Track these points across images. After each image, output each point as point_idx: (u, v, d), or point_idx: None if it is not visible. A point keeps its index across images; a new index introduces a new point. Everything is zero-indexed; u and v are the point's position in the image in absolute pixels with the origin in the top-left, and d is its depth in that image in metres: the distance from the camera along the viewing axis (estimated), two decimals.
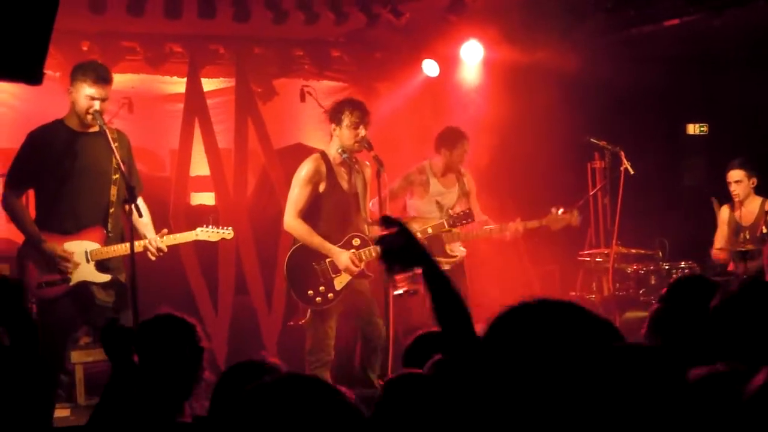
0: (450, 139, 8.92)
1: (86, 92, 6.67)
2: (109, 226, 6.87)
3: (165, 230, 7.00)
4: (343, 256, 7.53)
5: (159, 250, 6.92)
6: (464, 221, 8.30)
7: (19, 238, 7.12)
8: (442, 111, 11.11)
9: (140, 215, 6.54)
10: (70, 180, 6.76)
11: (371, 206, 8.07)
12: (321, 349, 7.61)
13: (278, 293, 9.74)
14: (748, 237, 8.79)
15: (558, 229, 8.93)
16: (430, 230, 8.24)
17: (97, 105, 6.68)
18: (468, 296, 9.05)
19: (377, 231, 7.37)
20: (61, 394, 8.24)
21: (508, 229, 8.84)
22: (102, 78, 6.74)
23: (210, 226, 7.36)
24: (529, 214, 9.27)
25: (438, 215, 8.59)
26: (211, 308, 9.71)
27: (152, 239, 6.89)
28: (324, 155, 7.69)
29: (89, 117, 6.70)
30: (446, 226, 8.28)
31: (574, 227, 9.11)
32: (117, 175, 6.80)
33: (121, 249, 6.80)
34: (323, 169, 7.62)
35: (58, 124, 6.83)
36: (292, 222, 7.60)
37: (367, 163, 7.66)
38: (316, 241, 7.55)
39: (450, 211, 8.44)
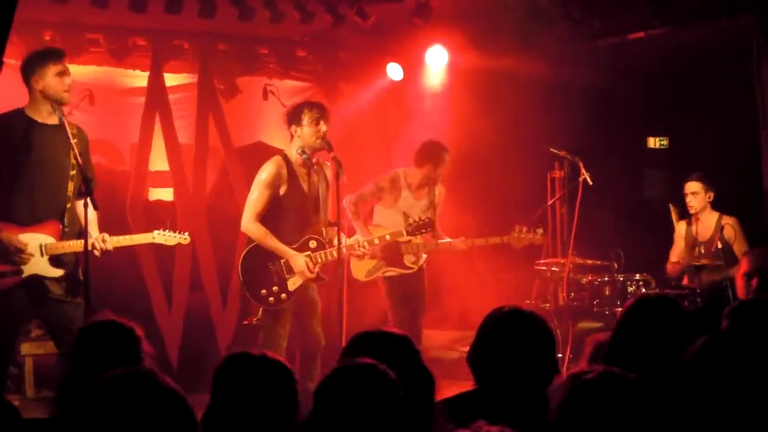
0: (435, 154, 8.96)
1: (55, 71, 6.67)
2: (66, 221, 6.83)
3: (105, 234, 6.90)
4: (299, 260, 7.55)
5: (104, 250, 6.87)
6: (423, 230, 8.32)
7: None
8: (406, 115, 11.18)
9: (95, 208, 6.53)
10: (27, 170, 6.71)
11: (345, 203, 8.09)
12: (270, 347, 7.51)
13: (233, 291, 9.77)
14: (703, 251, 8.87)
15: (520, 247, 9.01)
16: (387, 237, 8.29)
17: (68, 81, 6.70)
18: (426, 304, 9.13)
19: (334, 233, 7.45)
20: (10, 386, 8.19)
21: (471, 243, 8.93)
22: (59, 53, 6.83)
23: (167, 230, 7.34)
24: (486, 221, 9.35)
25: (403, 225, 8.62)
26: (166, 304, 9.70)
27: (98, 237, 6.83)
28: (285, 157, 7.69)
29: (66, 95, 6.71)
30: (405, 234, 8.31)
31: (536, 246, 9.21)
32: (74, 171, 6.78)
33: (76, 245, 6.74)
34: (284, 171, 7.62)
35: (19, 113, 6.78)
36: (249, 225, 7.61)
37: (328, 163, 7.67)
38: (272, 243, 7.56)
39: (410, 220, 8.46)
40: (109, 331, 4.20)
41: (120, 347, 4.11)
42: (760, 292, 7.62)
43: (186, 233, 7.45)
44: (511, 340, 3.99)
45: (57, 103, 6.70)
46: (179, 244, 7.48)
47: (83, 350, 4.16)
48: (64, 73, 6.70)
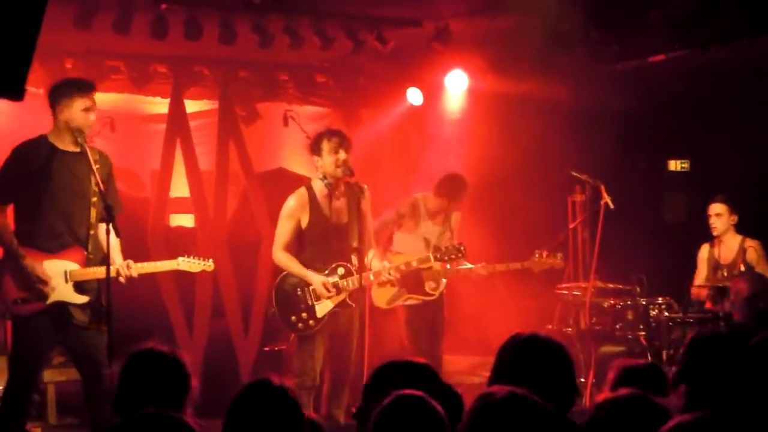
0: (453, 189, 9.02)
1: (82, 106, 6.64)
2: (90, 247, 6.82)
3: (130, 261, 6.90)
4: (315, 280, 7.60)
5: (128, 277, 6.86)
6: (453, 256, 8.35)
7: None
8: (426, 139, 11.19)
9: (117, 235, 6.52)
10: (50, 197, 6.70)
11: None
12: (304, 372, 7.60)
13: (256, 317, 9.76)
14: (726, 274, 8.83)
15: (540, 271, 9.02)
16: (414, 263, 8.32)
17: (92, 117, 6.70)
18: (445, 330, 9.11)
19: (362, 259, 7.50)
20: (33, 414, 8.18)
21: (492, 269, 8.95)
22: (87, 86, 6.78)
23: (191, 257, 7.34)
24: (507, 246, 9.34)
25: (424, 251, 8.62)
26: (187, 331, 9.71)
27: (123, 264, 6.82)
28: (309, 188, 7.77)
29: (89, 130, 6.71)
30: (432, 260, 8.37)
31: (557, 270, 9.20)
32: (96, 198, 6.77)
33: (100, 272, 6.72)
34: (305, 202, 7.69)
35: (42, 139, 6.77)
36: (277, 254, 7.75)
37: (365, 186, 7.67)
38: (296, 269, 7.67)
39: (440, 246, 8.49)
40: (163, 361, 4.19)
41: (170, 379, 4.13)
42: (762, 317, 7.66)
43: (210, 260, 7.43)
44: (530, 365, 3.99)
45: (77, 136, 6.71)
46: (202, 270, 7.47)
47: (134, 376, 4.18)
48: (90, 109, 6.66)
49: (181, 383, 4.13)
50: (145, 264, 7.02)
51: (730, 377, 3.96)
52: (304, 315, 7.64)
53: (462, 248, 8.34)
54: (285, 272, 7.75)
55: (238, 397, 3.48)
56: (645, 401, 3.38)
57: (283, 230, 7.72)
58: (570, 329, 9.31)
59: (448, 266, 8.82)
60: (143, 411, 2.50)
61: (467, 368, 8.66)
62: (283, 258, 7.71)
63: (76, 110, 6.65)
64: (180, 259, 7.29)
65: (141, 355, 4.31)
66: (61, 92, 6.73)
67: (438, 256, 8.33)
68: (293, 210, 7.69)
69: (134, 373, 4.21)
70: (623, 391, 3.49)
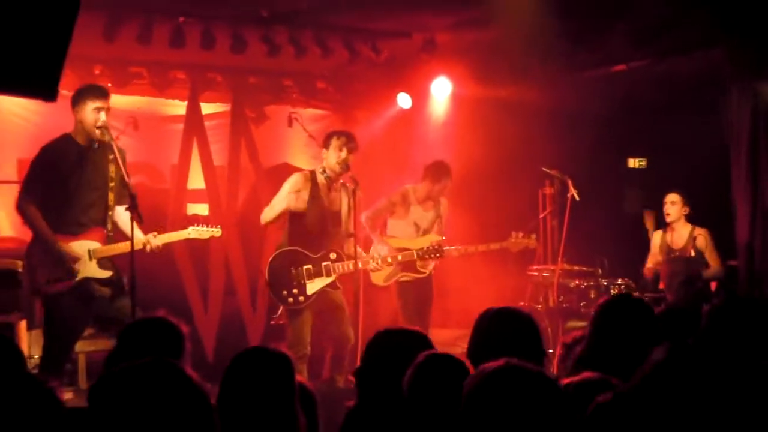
0: (435, 173, 9.05)
1: (92, 106, 6.70)
2: (109, 226, 6.91)
3: (155, 232, 7.01)
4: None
5: (156, 247, 6.95)
6: (433, 255, 8.52)
7: (27, 238, 7.14)
8: (414, 139, 11.20)
9: (140, 221, 6.57)
10: (75, 188, 6.78)
11: (362, 219, 8.16)
12: (298, 342, 7.65)
13: (262, 295, 9.79)
14: (669, 258, 8.90)
15: (517, 251, 9.09)
16: (400, 257, 8.48)
17: (102, 115, 6.71)
18: (433, 304, 9.18)
19: (353, 245, 7.55)
20: (65, 381, 8.22)
21: (474, 249, 9.02)
22: (102, 92, 6.82)
23: (201, 225, 7.43)
24: (487, 232, 9.39)
25: (415, 235, 8.68)
26: (202, 308, 9.75)
27: (149, 237, 6.91)
28: (312, 173, 7.83)
29: (98, 131, 6.72)
30: (415, 257, 8.50)
31: (530, 249, 9.27)
32: (113, 183, 6.86)
33: (120, 247, 6.82)
34: (308, 184, 7.73)
35: (67, 138, 6.85)
36: (266, 215, 7.78)
37: (356, 183, 7.72)
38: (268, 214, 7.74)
39: (423, 242, 8.65)
40: (159, 326, 4.14)
41: (166, 342, 4.06)
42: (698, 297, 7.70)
43: (218, 226, 7.60)
44: (501, 333, 4.04)
45: (88, 134, 6.77)
46: (214, 247, 7.54)
47: (131, 341, 4.11)
48: (100, 108, 6.71)
49: (176, 343, 4.09)
50: (164, 235, 7.12)
51: (629, 337, 3.97)
52: (295, 291, 7.67)
53: (441, 248, 8.49)
54: (279, 251, 7.75)
55: (233, 362, 3.49)
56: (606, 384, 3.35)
57: (280, 197, 7.71)
58: (540, 306, 9.36)
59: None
60: (144, 360, 2.43)
61: (450, 339, 8.67)
62: (267, 214, 7.74)
63: (87, 110, 6.73)
64: (190, 228, 7.43)
65: (140, 321, 4.40)
66: (78, 95, 6.83)
67: (420, 253, 8.46)
68: (296, 183, 7.73)
69: (132, 335, 4.17)
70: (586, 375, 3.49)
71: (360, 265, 7.84)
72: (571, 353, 4.36)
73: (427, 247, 8.49)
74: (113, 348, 4.27)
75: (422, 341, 3.96)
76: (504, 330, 4.07)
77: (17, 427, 2.43)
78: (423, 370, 3.52)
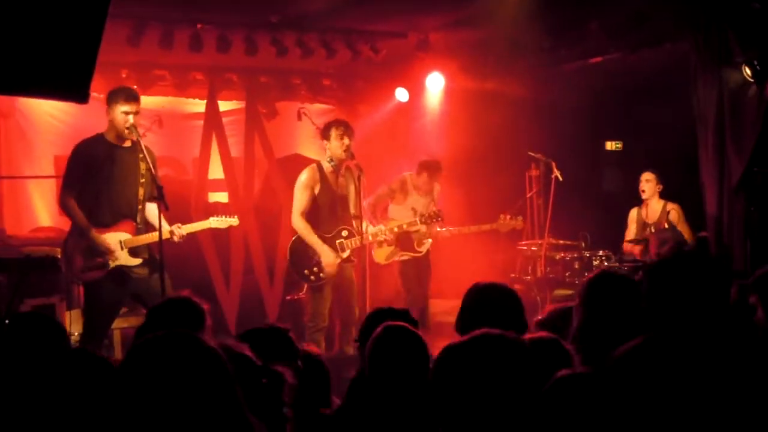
0: (431, 168, 9.05)
1: (121, 110, 6.66)
2: (138, 219, 6.88)
3: (179, 224, 7.00)
4: (329, 258, 7.64)
5: (181, 236, 6.95)
6: (434, 220, 8.48)
7: (65, 227, 7.12)
8: (411, 129, 11.21)
9: (167, 209, 6.55)
10: (107, 183, 6.76)
11: (365, 204, 8.16)
12: (318, 315, 7.68)
13: (278, 273, 9.80)
14: (652, 231, 8.87)
15: (505, 231, 9.13)
16: (405, 226, 8.41)
17: (131, 119, 6.66)
18: (431, 278, 9.18)
19: (360, 224, 7.54)
20: (103, 353, 8.22)
21: (467, 230, 9.06)
22: (131, 96, 6.74)
23: (221, 215, 7.49)
24: (478, 212, 9.40)
25: (413, 218, 8.69)
26: (224, 286, 9.74)
27: (174, 227, 6.91)
28: (318, 165, 7.81)
29: (126, 131, 6.68)
30: (418, 223, 8.50)
31: (518, 230, 9.28)
32: (143, 179, 6.83)
33: (148, 237, 6.81)
34: (317, 175, 7.73)
35: (99, 137, 6.82)
36: (296, 221, 7.72)
37: (360, 169, 7.69)
38: (313, 240, 7.66)
39: (423, 212, 8.60)
40: (183, 304, 4.17)
41: (189, 317, 4.08)
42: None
43: (235, 216, 7.65)
44: (486, 306, 4.02)
45: (119, 133, 6.74)
46: (231, 227, 7.62)
47: (158, 317, 4.14)
48: (128, 112, 6.65)
49: (198, 318, 4.13)
50: (188, 225, 7.15)
51: (616, 312, 3.86)
52: (315, 269, 7.68)
53: (440, 213, 8.49)
54: (298, 234, 7.75)
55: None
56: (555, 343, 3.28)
57: (300, 199, 7.70)
58: (529, 277, 9.37)
59: (438, 229, 9.00)
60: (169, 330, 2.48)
61: (448, 309, 8.66)
62: (300, 225, 7.69)
63: (118, 112, 6.68)
64: (211, 218, 7.49)
65: (166, 300, 4.42)
66: (111, 97, 6.78)
67: (422, 219, 8.44)
68: (308, 181, 7.70)
69: (159, 312, 4.22)
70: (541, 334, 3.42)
71: (370, 238, 7.88)
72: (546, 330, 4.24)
73: (428, 213, 8.48)
74: (142, 323, 4.34)
75: (406, 316, 4.05)
76: (488, 303, 4.04)
77: (83, 390, 2.70)
78: (379, 341, 3.63)
